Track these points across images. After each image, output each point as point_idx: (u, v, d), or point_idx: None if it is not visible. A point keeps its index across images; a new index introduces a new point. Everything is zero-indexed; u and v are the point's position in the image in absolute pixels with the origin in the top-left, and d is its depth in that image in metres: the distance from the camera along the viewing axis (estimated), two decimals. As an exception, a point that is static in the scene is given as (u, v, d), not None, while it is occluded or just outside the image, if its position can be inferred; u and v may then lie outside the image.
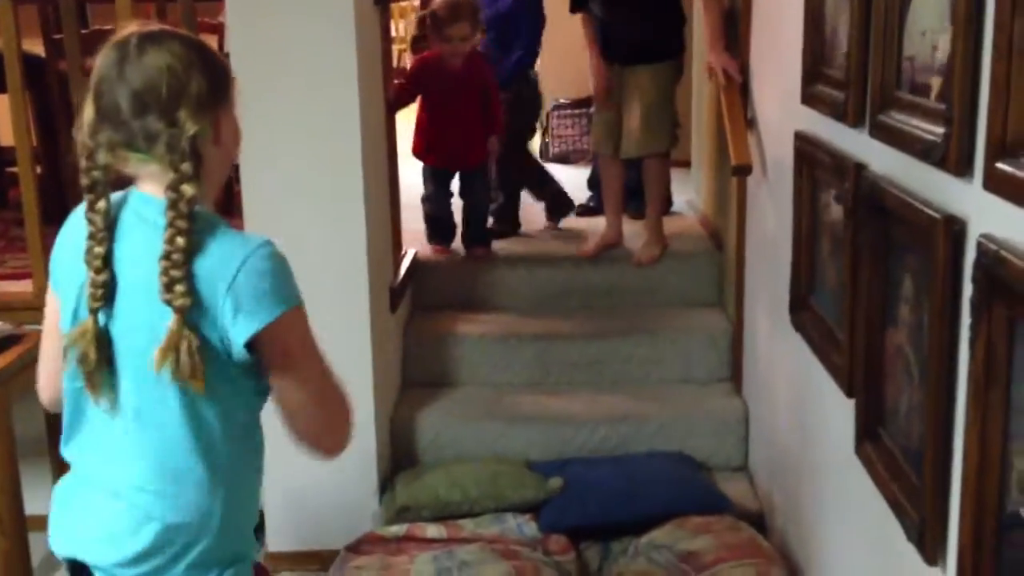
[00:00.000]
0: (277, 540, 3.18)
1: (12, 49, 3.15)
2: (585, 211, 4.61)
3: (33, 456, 3.12)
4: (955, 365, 1.53)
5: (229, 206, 4.37)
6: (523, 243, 4.17)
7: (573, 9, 3.93)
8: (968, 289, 1.45)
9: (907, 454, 1.76)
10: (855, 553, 2.17)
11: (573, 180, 5.29)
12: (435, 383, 3.63)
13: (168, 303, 1.43)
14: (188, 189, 1.45)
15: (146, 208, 1.50)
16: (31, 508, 2.77)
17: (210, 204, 1.58)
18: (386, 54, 3.44)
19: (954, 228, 1.51)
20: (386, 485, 3.21)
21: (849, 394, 2.08)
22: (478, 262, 3.97)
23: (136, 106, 1.45)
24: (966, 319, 1.46)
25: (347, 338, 3.09)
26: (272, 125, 2.96)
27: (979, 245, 1.40)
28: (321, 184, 3.00)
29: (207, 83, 1.48)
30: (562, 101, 6.08)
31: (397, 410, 3.46)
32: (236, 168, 3.22)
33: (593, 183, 4.69)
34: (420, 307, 3.89)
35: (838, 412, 2.17)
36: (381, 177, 3.34)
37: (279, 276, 1.48)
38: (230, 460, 1.56)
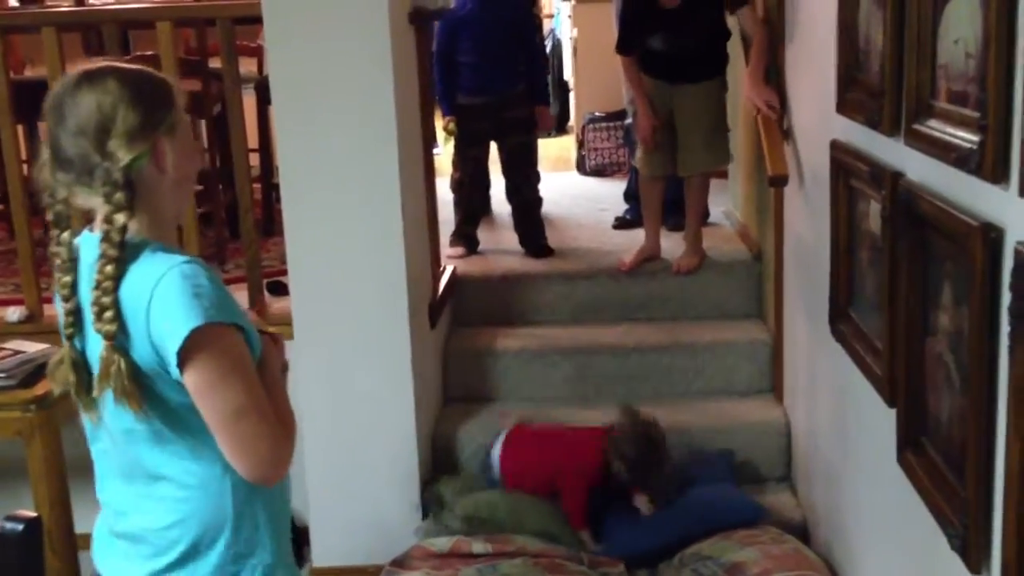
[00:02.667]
0: (321, 555, 3.21)
1: (57, 76, 3.22)
2: (622, 224, 4.61)
3: (82, 475, 3.17)
4: (996, 372, 1.52)
5: (270, 226, 4.45)
6: (560, 258, 4.18)
7: (621, 51, 3.85)
8: (1006, 296, 1.45)
9: (949, 462, 1.75)
10: (898, 562, 2.15)
11: (609, 193, 5.32)
12: (475, 398, 3.65)
13: (98, 331, 1.50)
14: (120, 218, 1.50)
15: (89, 246, 1.56)
16: (81, 527, 2.83)
17: (167, 231, 1.62)
18: (422, 72, 3.48)
19: (991, 235, 1.51)
20: (427, 507, 3.21)
21: (890, 403, 2.07)
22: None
23: (74, 144, 1.52)
24: (1005, 327, 1.46)
25: (387, 354, 3.12)
26: (310, 145, 3.00)
27: (1016, 252, 1.40)
28: (360, 203, 3.04)
29: (138, 114, 1.52)
30: (597, 114, 6.09)
31: (438, 426, 3.48)
32: (277, 188, 3.27)
33: (629, 196, 4.69)
34: (459, 323, 3.91)
35: (879, 421, 2.16)
36: (419, 194, 3.38)
37: (187, 294, 1.48)
38: (212, 463, 1.57)
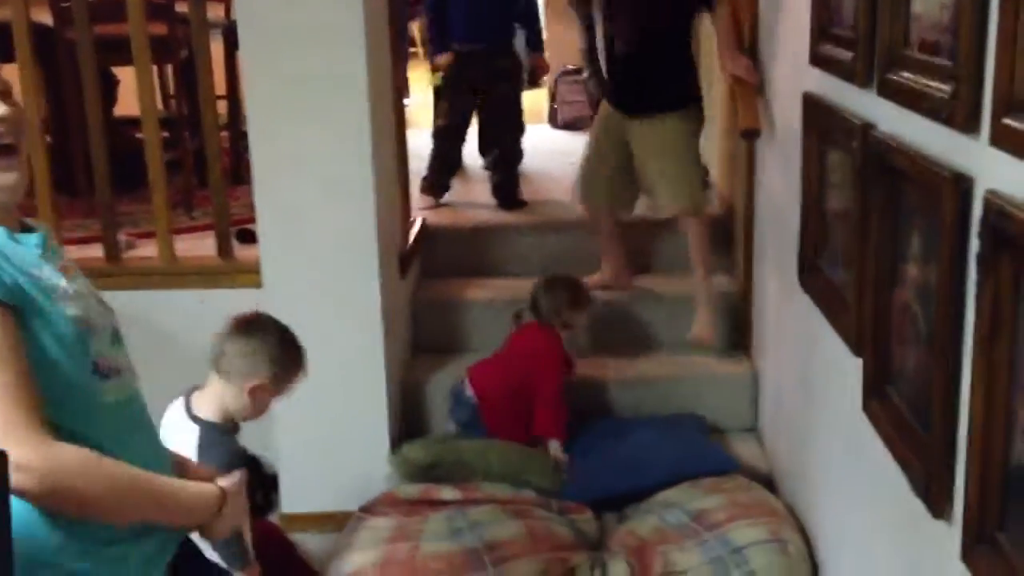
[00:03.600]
0: (291, 502, 3.22)
1: (21, 19, 3.16)
2: None
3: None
4: (962, 320, 1.54)
5: (239, 174, 4.40)
6: (531, 210, 4.18)
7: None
8: (975, 245, 1.46)
9: (914, 410, 1.78)
10: (862, 510, 2.19)
11: (581, 146, 5.30)
12: (445, 348, 3.66)
13: None
14: None
15: None
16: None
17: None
18: (393, 20, 3.44)
19: (961, 185, 1.51)
20: (397, 449, 3.24)
21: (857, 353, 2.09)
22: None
23: None
24: (973, 276, 1.47)
25: (357, 304, 3.12)
26: (278, 92, 2.97)
27: (986, 201, 1.41)
28: (329, 151, 3.01)
29: None
30: (569, 68, 6.06)
31: (407, 376, 3.49)
32: (245, 135, 3.23)
33: None
34: (429, 274, 3.90)
35: (846, 371, 2.19)
36: (389, 144, 3.35)
37: None
38: None
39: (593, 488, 3.02)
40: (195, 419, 2.28)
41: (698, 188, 3.45)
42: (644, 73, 3.33)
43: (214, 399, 2.30)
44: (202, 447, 2.23)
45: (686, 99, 3.43)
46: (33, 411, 1.40)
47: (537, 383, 3.22)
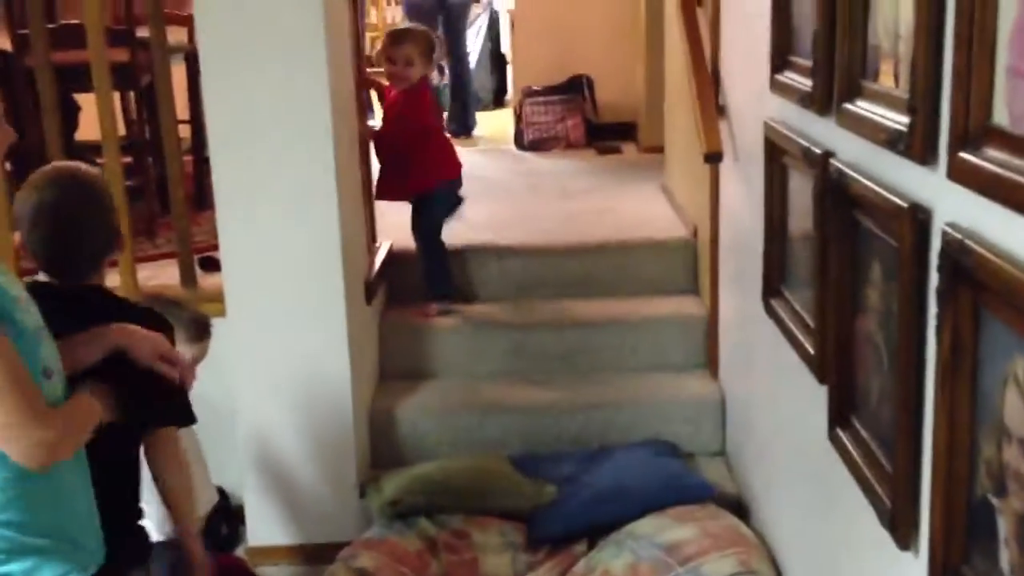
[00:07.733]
0: (257, 534, 3.18)
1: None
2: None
3: None
4: (923, 351, 1.54)
5: (202, 200, 4.37)
6: (497, 234, 4.15)
7: None
8: (934, 277, 1.46)
9: (878, 440, 1.77)
10: (830, 539, 2.19)
11: (549, 168, 5.31)
12: (412, 375, 3.63)
13: None
14: None
15: None
16: None
17: None
18: (356, 42, 3.43)
19: (919, 217, 1.52)
20: (365, 481, 3.20)
21: (821, 381, 2.09)
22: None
23: None
24: (932, 307, 1.48)
25: (323, 331, 3.09)
26: (241, 116, 2.95)
27: (944, 234, 1.41)
28: (293, 176, 2.99)
29: None
30: (534, 88, 6.07)
31: (375, 402, 3.46)
32: (208, 161, 3.21)
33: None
34: (396, 299, 3.88)
35: (811, 398, 2.19)
36: (354, 168, 3.33)
37: None
38: None
39: (570, 522, 2.98)
40: None
41: None
42: None
43: None
44: None
45: None
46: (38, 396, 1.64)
47: None
